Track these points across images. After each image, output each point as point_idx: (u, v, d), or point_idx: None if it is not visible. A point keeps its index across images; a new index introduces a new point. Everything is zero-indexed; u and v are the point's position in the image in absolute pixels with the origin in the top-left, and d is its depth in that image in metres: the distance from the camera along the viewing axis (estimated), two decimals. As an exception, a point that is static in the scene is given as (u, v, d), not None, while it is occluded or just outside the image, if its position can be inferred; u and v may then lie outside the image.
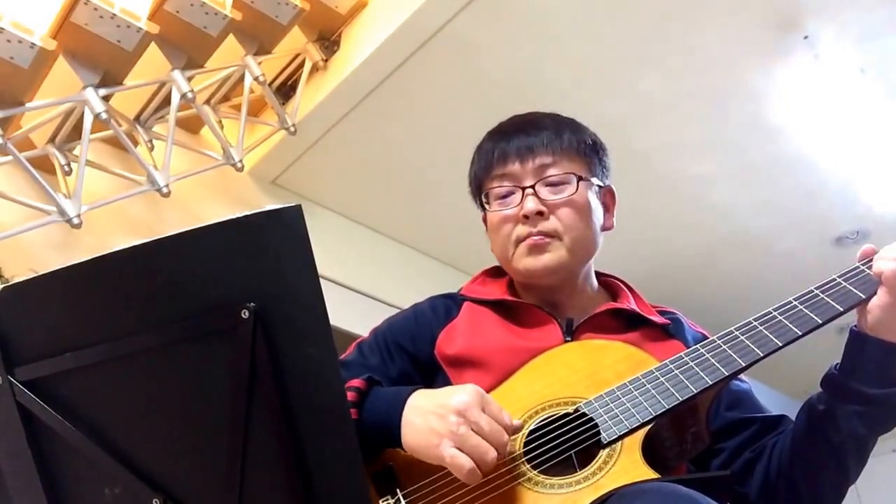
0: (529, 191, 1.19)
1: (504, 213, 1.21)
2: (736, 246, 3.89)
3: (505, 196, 1.22)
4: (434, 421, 0.97)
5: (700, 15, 2.74)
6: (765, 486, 1.11)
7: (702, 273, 4.04)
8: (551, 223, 1.19)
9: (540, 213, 1.18)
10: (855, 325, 1.05)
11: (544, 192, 1.19)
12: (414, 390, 1.04)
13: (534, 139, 1.21)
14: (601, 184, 1.25)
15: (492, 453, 0.94)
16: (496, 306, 1.24)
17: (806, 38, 2.84)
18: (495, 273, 1.33)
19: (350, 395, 1.05)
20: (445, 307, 1.27)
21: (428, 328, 1.23)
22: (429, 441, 0.97)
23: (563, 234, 1.19)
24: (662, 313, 1.26)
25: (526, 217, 1.19)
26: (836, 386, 1.05)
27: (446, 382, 1.17)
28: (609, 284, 1.31)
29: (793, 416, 1.16)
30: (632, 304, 1.24)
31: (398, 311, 1.31)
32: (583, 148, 1.23)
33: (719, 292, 4.05)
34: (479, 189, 1.27)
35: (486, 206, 1.25)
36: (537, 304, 1.22)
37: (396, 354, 1.21)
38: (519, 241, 1.20)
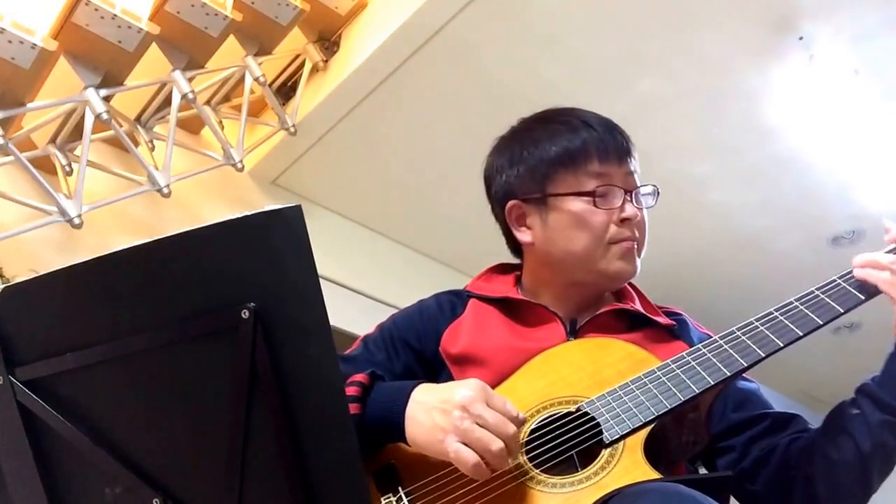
0: (629, 197, 1.20)
1: (605, 211, 1.19)
2: (732, 246, 3.90)
3: (605, 195, 1.19)
4: (438, 416, 0.97)
5: (697, 16, 2.74)
6: (776, 483, 1.10)
7: (698, 272, 4.04)
8: (637, 232, 1.21)
9: (638, 221, 1.20)
10: None
11: (637, 200, 1.22)
12: (417, 385, 1.04)
13: (625, 142, 1.22)
14: None
15: (497, 444, 0.94)
16: (501, 304, 1.24)
17: (801, 39, 2.84)
18: (501, 270, 1.32)
19: (353, 390, 1.05)
20: (451, 304, 1.26)
21: (433, 325, 1.23)
22: (433, 436, 0.97)
23: (641, 244, 1.22)
24: (668, 314, 1.26)
25: (625, 220, 1.19)
26: (866, 393, 1.05)
27: (449, 379, 1.16)
28: None
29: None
30: (636, 305, 1.24)
31: (397, 310, 1.31)
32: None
33: (715, 292, 4.05)
34: (549, 172, 1.22)
35: (567, 196, 1.20)
36: (542, 303, 1.22)
37: (401, 350, 1.21)
38: (613, 241, 1.19)
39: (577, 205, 1.19)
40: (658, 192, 1.24)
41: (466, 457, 0.93)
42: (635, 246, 1.21)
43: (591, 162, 1.19)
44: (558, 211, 1.20)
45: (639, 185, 1.22)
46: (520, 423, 0.99)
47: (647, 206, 1.23)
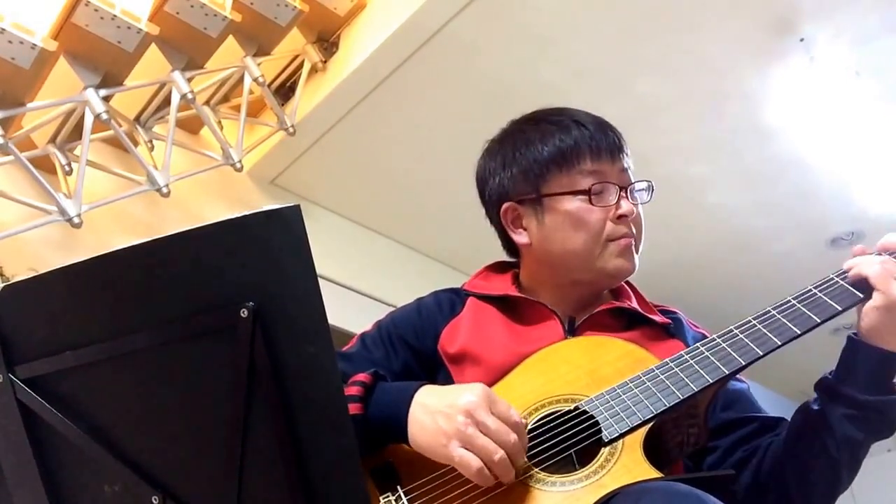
0: (624, 193, 1.20)
1: (601, 208, 1.19)
2: (731, 247, 3.90)
3: (600, 192, 1.20)
4: (442, 420, 0.97)
5: (697, 17, 2.74)
6: (755, 485, 1.11)
7: (697, 274, 4.05)
8: (634, 229, 1.21)
9: (634, 217, 1.21)
10: (854, 332, 1.05)
11: (633, 196, 1.22)
12: (420, 386, 1.04)
13: (616, 139, 1.22)
14: None
15: (499, 453, 0.94)
16: (500, 302, 1.24)
17: (802, 40, 2.84)
18: (498, 268, 1.32)
19: (356, 390, 1.05)
20: (450, 302, 1.26)
21: (432, 323, 1.23)
22: (437, 440, 0.97)
23: (638, 240, 1.22)
24: (664, 312, 1.27)
25: (621, 217, 1.19)
26: (827, 390, 1.06)
27: (448, 378, 1.17)
28: None
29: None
30: (633, 303, 1.24)
31: (395, 308, 1.31)
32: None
33: (714, 293, 4.05)
34: (543, 173, 1.21)
35: (562, 196, 1.20)
36: (541, 301, 1.22)
37: (399, 348, 1.21)
38: (610, 239, 1.19)
39: (573, 204, 1.19)
40: (653, 188, 1.24)
41: (470, 462, 0.94)
42: (633, 242, 1.21)
43: (583, 160, 1.20)
44: (554, 211, 1.21)
45: (633, 181, 1.23)
46: (522, 429, 0.98)
47: (643, 202, 1.24)
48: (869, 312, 1.01)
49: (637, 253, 1.22)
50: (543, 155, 1.21)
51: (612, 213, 1.19)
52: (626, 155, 1.23)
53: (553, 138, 1.21)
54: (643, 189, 1.24)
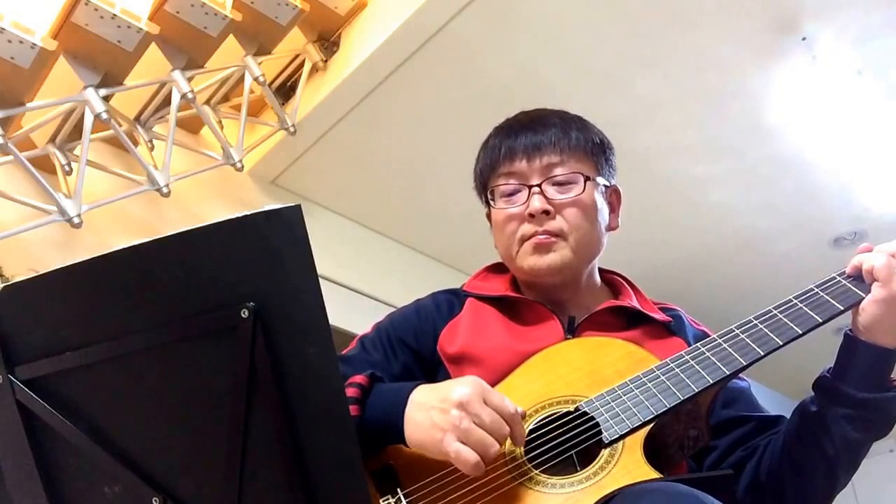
0: (536, 189, 1.19)
1: (509, 211, 1.21)
2: (734, 247, 3.90)
3: (511, 194, 1.22)
4: (436, 415, 0.97)
5: (699, 16, 2.74)
6: (753, 485, 1.11)
7: (699, 274, 4.04)
8: (557, 222, 1.19)
9: (546, 213, 1.18)
10: (850, 329, 1.05)
11: (551, 191, 1.19)
12: (416, 386, 1.04)
13: (541, 137, 1.21)
14: (607, 183, 1.25)
15: (496, 446, 0.94)
16: (499, 303, 1.24)
17: (804, 39, 2.84)
18: (497, 269, 1.33)
19: (353, 392, 1.05)
20: (448, 303, 1.27)
21: (430, 323, 1.23)
22: (432, 436, 0.97)
23: (568, 233, 1.19)
24: (664, 310, 1.26)
25: (531, 216, 1.18)
26: (825, 389, 1.06)
27: (447, 378, 1.16)
28: (611, 281, 1.31)
29: (789, 417, 1.16)
30: (633, 302, 1.24)
31: (394, 310, 1.31)
32: (590, 147, 1.23)
33: (717, 293, 4.05)
34: (484, 186, 1.27)
35: (492, 203, 1.24)
36: (540, 300, 1.22)
37: (399, 350, 1.21)
38: (524, 239, 1.20)
39: (495, 209, 1.24)
40: (587, 178, 1.20)
41: (467, 457, 0.94)
42: (550, 238, 1.18)
43: (500, 165, 1.23)
44: (491, 218, 1.27)
45: (554, 175, 1.19)
46: (518, 418, 0.98)
47: (565, 196, 1.19)
48: (867, 307, 1.01)
49: (571, 246, 1.19)
50: (480, 165, 1.28)
51: (525, 212, 1.19)
52: (555, 150, 1.20)
53: (487, 146, 1.27)
54: (567, 182, 1.19)
